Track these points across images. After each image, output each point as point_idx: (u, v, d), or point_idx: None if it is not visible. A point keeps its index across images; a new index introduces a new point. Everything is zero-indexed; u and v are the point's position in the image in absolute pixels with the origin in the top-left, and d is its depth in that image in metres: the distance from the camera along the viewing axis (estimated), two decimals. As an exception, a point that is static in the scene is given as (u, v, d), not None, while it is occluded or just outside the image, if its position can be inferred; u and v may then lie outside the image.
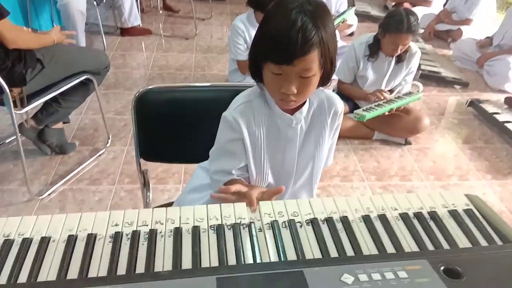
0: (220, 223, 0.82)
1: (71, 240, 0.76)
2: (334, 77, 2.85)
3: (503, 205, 2.18)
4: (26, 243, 0.75)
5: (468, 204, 0.91)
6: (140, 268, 0.72)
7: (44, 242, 0.76)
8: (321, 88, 1.01)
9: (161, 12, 4.53)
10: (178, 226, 0.81)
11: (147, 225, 0.81)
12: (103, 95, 2.84)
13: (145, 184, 1.38)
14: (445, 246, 0.79)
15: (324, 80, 0.96)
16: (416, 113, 2.59)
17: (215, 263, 0.74)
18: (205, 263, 0.74)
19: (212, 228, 0.81)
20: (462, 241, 0.81)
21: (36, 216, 0.81)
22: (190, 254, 0.75)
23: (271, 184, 1.11)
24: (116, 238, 0.77)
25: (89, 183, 2.12)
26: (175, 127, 1.27)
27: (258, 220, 0.84)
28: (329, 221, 0.83)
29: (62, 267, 0.71)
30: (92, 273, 0.71)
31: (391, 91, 2.66)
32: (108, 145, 2.38)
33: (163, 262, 0.74)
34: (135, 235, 0.78)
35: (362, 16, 4.55)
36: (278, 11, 0.88)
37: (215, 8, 4.64)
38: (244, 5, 4.63)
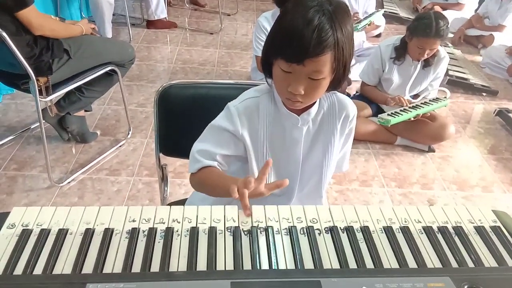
0: (237, 225, 0.81)
1: (88, 234, 0.76)
2: (358, 78, 2.83)
3: (528, 220, 2.10)
4: (44, 234, 0.75)
5: (495, 220, 0.87)
6: (155, 266, 0.71)
7: (62, 234, 0.76)
8: (333, 91, 0.98)
9: (187, 6, 4.54)
10: (195, 225, 0.80)
11: (164, 223, 0.80)
12: (126, 87, 2.86)
13: (163, 179, 1.38)
14: (470, 264, 0.76)
15: (335, 85, 0.92)
16: (442, 120, 2.52)
17: (230, 265, 0.72)
18: (220, 265, 0.72)
19: (229, 230, 0.80)
20: (488, 260, 0.77)
21: (55, 207, 0.82)
22: (206, 255, 0.74)
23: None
24: (133, 234, 0.77)
25: (108, 174, 2.14)
26: (196, 124, 1.25)
27: (277, 221, 0.82)
28: (349, 230, 0.81)
29: (78, 260, 0.71)
30: (107, 269, 0.70)
31: (416, 96, 2.60)
32: (129, 136, 2.40)
33: (178, 261, 0.73)
34: (152, 232, 0.77)
35: (390, 17, 4.46)
36: (297, 7, 0.84)
37: (241, 4, 4.63)
38: (271, 1, 4.60)
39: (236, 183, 0.84)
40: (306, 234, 0.80)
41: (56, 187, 2.02)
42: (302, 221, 0.83)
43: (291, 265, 0.73)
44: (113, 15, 3.45)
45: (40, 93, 1.83)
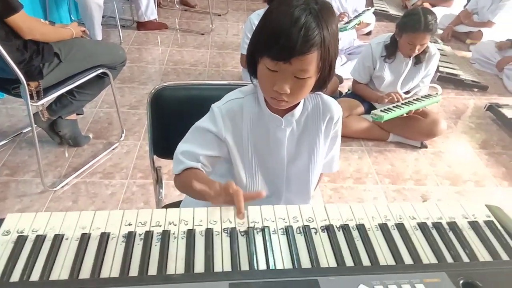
0: (234, 226, 0.81)
1: (84, 239, 0.76)
2: (349, 76, 2.85)
3: (520, 213, 2.13)
4: (39, 240, 0.75)
5: (489, 215, 0.88)
6: (153, 269, 0.71)
7: (58, 239, 0.75)
8: (318, 92, 0.98)
9: (177, 6, 4.53)
10: (191, 228, 0.80)
11: (160, 226, 0.80)
12: (118, 89, 2.85)
13: (158, 181, 1.38)
14: (465, 259, 0.77)
15: (320, 85, 0.92)
16: (433, 116, 2.55)
17: (227, 267, 0.73)
18: (217, 267, 0.73)
19: (226, 231, 0.80)
20: (483, 254, 0.78)
21: (50, 213, 0.81)
22: (203, 257, 0.74)
23: (262, 188, 1.06)
24: (129, 238, 0.77)
25: (102, 177, 2.13)
26: (190, 125, 1.25)
27: (273, 221, 0.82)
28: (345, 228, 0.81)
29: (74, 266, 0.70)
30: (104, 273, 0.70)
31: (407, 92, 2.62)
32: (121, 139, 2.39)
33: (176, 264, 0.73)
34: (148, 235, 0.77)
35: (380, 15, 4.49)
36: (283, 5, 0.84)
37: (232, 4, 4.62)
38: (261, 1, 4.60)
39: (215, 187, 0.84)
40: (302, 233, 0.80)
41: (50, 191, 2.00)
42: (298, 221, 0.83)
43: (288, 265, 0.73)
44: (103, 17, 3.43)
45: (31, 97, 1.81)
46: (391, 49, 2.44)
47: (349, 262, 0.74)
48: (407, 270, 0.71)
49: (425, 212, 0.87)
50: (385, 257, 0.76)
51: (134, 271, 0.71)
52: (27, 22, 1.73)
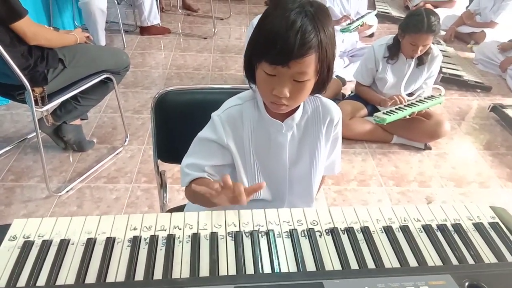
0: (238, 230, 0.81)
1: (90, 243, 0.76)
2: (352, 78, 2.85)
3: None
4: (45, 245, 0.76)
5: (493, 216, 0.88)
6: (158, 273, 0.72)
7: (63, 244, 0.76)
8: (317, 94, 0.98)
9: (180, 11, 4.54)
10: (196, 232, 0.80)
11: (165, 230, 0.81)
12: (122, 94, 2.86)
13: (162, 185, 1.38)
14: (470, 261, 0.77)
15: (319, 87, 0.92)
16: (437, 118, 2.54)
17: (232, 270, 0.73)
18: (222, 271, 0.73)
19: (230, 235, 0.80)
20: (488, 256, 0.78)
21: (56, 218, 0.82)
22: (208, 261, 0.74)
23: (265, 193, 1.07)
24: (135, 242, 0.77)
25: (107, 181, 2.14)
26: (194, 129, 1.26)
27: (277, 225, 0.83)
28: (349, 231, 0.81)
29: (80, 270, 0.71)
30: (110, 278, 0.71)
31: (410, 94, 2.61)
32: (126, 143, 2.40)
33: (181, 268, 0.73)
34: (153, 240, 0.78)
35: (382, 17, 4.49)
36: (278, 9, 0.84)
37: (234, 8, 4.64)
38: (263, 4, 4.62)
39: (215, 186, 0.83)
40: (307, 236, 0.80)
41: (55, 196, 2.01)
42: (302, 224, 0.84)
43: (293, 268, 0.74)
44: (106, 22, 3.45)
45: (36, 103, 1.82)
46: (393, 50, 2.44)
47: (354, 265, 0.75)
48: (412, 273, 0.71)
49: (429, 214, 0.87)
50: (390, 259, 0.76)
51: (139, 275, 0.71)
52: (32, 28, 1.74)
